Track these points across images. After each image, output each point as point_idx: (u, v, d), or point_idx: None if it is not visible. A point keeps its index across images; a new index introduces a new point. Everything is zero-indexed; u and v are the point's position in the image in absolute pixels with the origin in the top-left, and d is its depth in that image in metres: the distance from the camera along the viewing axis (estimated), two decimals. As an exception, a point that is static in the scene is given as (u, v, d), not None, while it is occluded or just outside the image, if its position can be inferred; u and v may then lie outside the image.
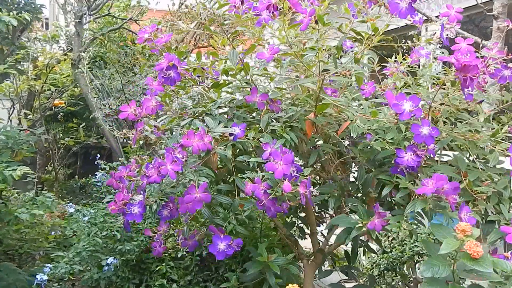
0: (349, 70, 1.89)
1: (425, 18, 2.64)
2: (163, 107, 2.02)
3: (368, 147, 1.91)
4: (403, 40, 2.20)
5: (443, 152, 2.00)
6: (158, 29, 1.90)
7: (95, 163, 3.86)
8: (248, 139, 1.78)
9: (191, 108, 2.07)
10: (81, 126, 5.74)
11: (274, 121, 1.91)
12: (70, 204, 3.85)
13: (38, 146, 5.38)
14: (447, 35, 1.92)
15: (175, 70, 1.78)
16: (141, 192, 1.81)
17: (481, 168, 1.81)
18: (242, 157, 1.81)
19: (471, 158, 1.87)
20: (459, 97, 1.84)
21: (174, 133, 1.95)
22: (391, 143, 1.71)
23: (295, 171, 1.62)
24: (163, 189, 1.85)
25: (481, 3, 2.92)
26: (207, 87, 2.05)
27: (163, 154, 1.79)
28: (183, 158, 1.71)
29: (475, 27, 4.88)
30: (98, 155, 4.06)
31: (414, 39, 2.07)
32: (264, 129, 1.82)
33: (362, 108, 1.82)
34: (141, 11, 5.09)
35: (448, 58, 1.55)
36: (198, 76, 1.97)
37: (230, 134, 1.77)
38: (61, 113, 5.71)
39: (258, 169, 1.83)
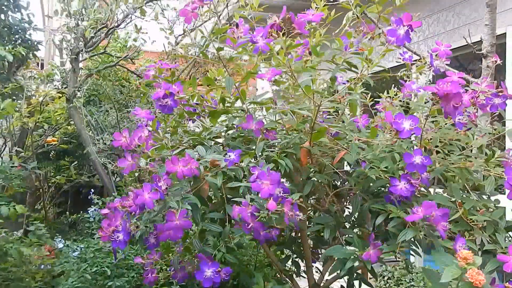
0: (343, 97, 1.92)
1: (415, 57, 2.70)
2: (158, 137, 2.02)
3: (362, 179, 1.91)
4: (393, 84, 2.26)
5: (437, 185, 2.00)
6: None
7: (89, 198, 3.83)
8: (241, 166, 1.76)
9: (187, 137, 2.07)
10: (72, 164, 5.70)
11: (270, 148, 1.92)
12: (60, 239, 3.78)
13: (29, 183, 5.32)
14: (438, 70, 1.97)
15: (172, 97, 1.79)
16: (127, 219, 1.79)
17: (476, 199, 1.81)
18: (232, 183, 1.79)
19: (465, 190, 1.87)
20: (451, 129, 1.87)
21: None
22: (385, 172, 1.72)
23: (281, 192, 1.60)
24: (151, 217, 1.82)
25: (470, 43, 3.00)
26: (203, 116, 2.07)
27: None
28: (165, 186, 1.67)
29: (464, 69, 5.00)
30: (92, 190, 4.03)
31: (405, 75, 2.13)
32: (259, 156, 1.82)
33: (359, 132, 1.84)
34: (137, 50, 5.18)
35: (432, 88, 1.58)
36: (197, 104, 1.99)
37: (226, 160, 1.76)
38: (53, 151, 5.67)
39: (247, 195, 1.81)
